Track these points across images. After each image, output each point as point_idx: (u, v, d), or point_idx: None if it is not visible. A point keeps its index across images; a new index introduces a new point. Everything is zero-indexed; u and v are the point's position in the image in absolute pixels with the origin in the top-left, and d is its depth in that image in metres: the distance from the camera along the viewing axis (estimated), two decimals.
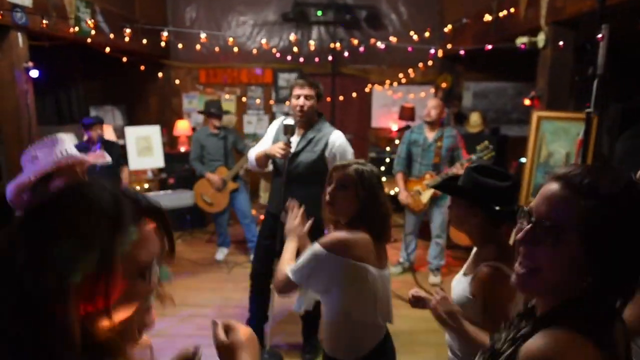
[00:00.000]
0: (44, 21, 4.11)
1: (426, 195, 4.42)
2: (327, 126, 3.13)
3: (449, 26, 5.76)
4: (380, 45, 5.25)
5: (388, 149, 5.01)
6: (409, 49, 5.44)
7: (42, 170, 1.88)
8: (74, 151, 1.94)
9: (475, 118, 5.78)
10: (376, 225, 1.85)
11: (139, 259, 0.79)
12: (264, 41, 7.10)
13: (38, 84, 7.46)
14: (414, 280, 4.58)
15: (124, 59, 5.63)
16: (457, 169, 4.12)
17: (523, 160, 4.03)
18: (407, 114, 6.72)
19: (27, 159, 1.99)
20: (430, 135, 4.40)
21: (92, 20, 4.75)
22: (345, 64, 7.17)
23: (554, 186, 0.91)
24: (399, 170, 4.52)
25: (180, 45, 6.51)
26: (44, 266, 0.69)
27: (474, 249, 1.81)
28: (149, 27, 5.57)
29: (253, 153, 3.16)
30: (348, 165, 1.88)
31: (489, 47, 4.35)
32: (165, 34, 5.57)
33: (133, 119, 7.30)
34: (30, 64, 4.09)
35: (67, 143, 1.97)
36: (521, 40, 3.87)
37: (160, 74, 6.71)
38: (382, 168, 4.30)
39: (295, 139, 3.00)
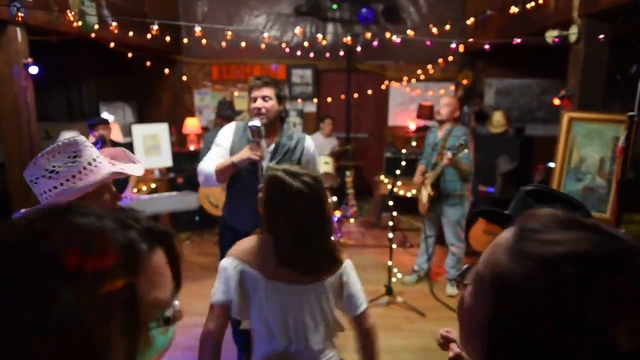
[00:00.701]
0: (46, 15, 3.95)
1: (424, 195, 4.17)
2: (295, 130, 2.92)
3: (472, 19, 5.42)
4: (396, 39, 4.94)
5: (404, 151, 4.70)
6: (428, 43, 5.11)
7: (77, 192, 1.38)
8: (104, 163, 1.44)
9: (498, 117, 5.45)
10: (276, 244, 1.68)
11: (157, 299, 0.63)
12: (277, 36, 6.90)
13: (49, 80, 7.44)
14: (430, 291, 4.31)
15: (130, 55, 5.46)
16: (445, 161, 3.83)
17: (551, 165, 3.71)
18: (425, 112, 6.41)
19: (37, 172, 1.40)
20: (440, 134, 4.16)
21: (97, 15, 4.57)
22: (361, 60, 6.88)
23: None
24: (420, 162, 4.38)
25: (189, 41, 6.31)
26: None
27: None
28: (158, 22, 5.38)
29: (210, 166, 2.64)
30: (276, 170, 1.69)
31: (517, 41, 3.99)
32: (177, 29, 5.35)
33: (144, 116, 7.15)
34: (30, 59, 3.92)
35: (91, 148, 1.44)
36: (552, 35, 3.54)
37: (168, 71, 6.51)
38: (398, 171, 3.99)
39: (266, 149, 2.70)
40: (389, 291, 4.07)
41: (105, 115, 4.18)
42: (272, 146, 2.73)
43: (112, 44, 4.89)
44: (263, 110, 2.64)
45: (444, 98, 4.18)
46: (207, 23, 6.29)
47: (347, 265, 1.85)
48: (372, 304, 4.04)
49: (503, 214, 1.38)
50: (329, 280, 1.75)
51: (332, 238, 1.76)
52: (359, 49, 5.82)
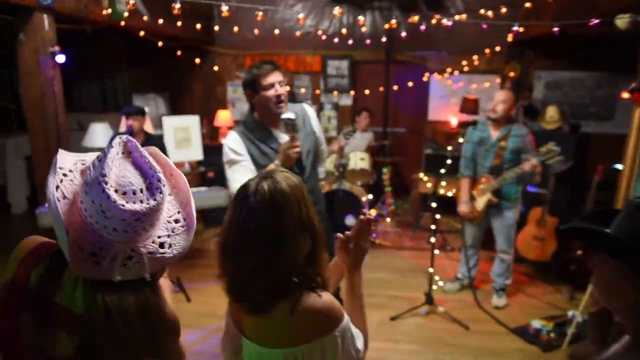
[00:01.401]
0: (75, 3, 3.80)
1: (481, 202, 3.77)
2: (291, 103, 2.57)
3: (528, 4, 4.96)
4: (447, 22, 4.55)
5: (450, 148, 4.29)
6: (484, 26, 4.68)
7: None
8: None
9: (551, 113, 5.00)
10: None
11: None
12: (312, 25, 6.62)
13: (84, 70, 7.43)
14: (474, 301, 3.96)
15: (160, 44, 5.28)
16: (524, 165, 3.46)
17: (619, 166, 3.30)
18: (469, 106, 6.01)
19: (89, 210, 0.94)
20: (495, 133, 3.72)
21: (128, 3, 4.39)
22: (400, 51, 6.52)
23: None
24: (466, 174, 3.88)
25: (220, 29, 6.10)
26: None
27: (626, 339, 1.07)
28: (191, 11, 5.20)
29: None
30: (252, 180, 1.32)
31: (595, 21, 3.46)
32: (209, 17, 5.15)
33: (176, 108, 7.04)
34: (57, 48, 3.77)
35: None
36: (624, 19, 3.11)
37: (199, 60, 6.31)
38: (442, 170, 3.65)
39: (285, 138, 2.41)
40: (430, 300, 3.75)
41: (137, 107, 4.00)
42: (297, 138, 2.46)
43: (141, 33, 4.71)
44: (283, 98, 2.37)
45: (499, 92, 3.72)
46: (240, 13, 6.05)
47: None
48: (411, 313, 3.74)
49: (605, 233, 1.05)
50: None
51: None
52: (403, 34, 5.44)
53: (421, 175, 5.77)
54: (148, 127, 4.98)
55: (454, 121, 6.54)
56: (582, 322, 3.32)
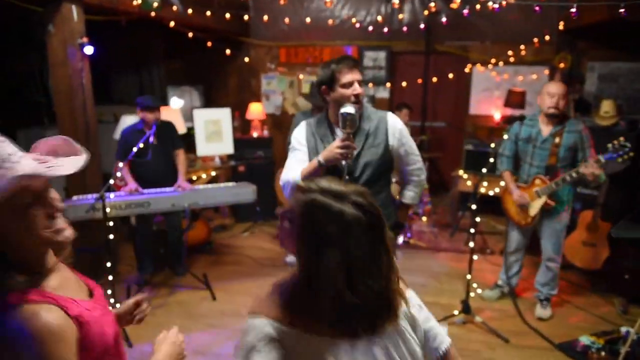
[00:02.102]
0: None
1: (535, 206, 3.44)
2: (374, 109, 2.45)
3: None
4: (494, 4, 4.22)
5: (493, 145, 3.94)
6: (537, 8, 4.30)
7: None
8: (23, 161, 1.03)
9: (606, 107, 4.58)
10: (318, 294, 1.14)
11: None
12: (349, 15, 6.39)
13: (123, 63, 7.48)
14: (516, 311, 3.66)
15: (191, 35, 5.19)
16: (585, 169, 3.12)
17: None
18: (515, 99, 5.63)
19: None
20: (547, 129, 3.38)
21: None
22: (441, 40, 6.19)
23: None
24: (505, 169, 3.58)
25: (249, 18, 5.96)
26: None
27: None
28: (225, 1, 5.09)
29: (294, 174, 2.29)
30: (309, 189, 1.17)
31: None
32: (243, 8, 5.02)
33: (210, 100, 6.97)
34: (85, 39, 3.72)
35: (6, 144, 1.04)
36: None
37: (229, 51, 6.19)
38: (484, 170, 3.37)
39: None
40: (467, 309, 3.49)
41: (154, 100, 3.85)
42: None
43: (172, 23, 4.62)
44: (360, 97, 2.24)
45: (555, 86, 3.33)
46: (275, 5, 5.89)
47: (412, 296, 1.38)
48: (445, 322, 3.48)
49: None
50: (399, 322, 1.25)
51: (394, 277, 1.24)
52: (443, 19, 5.13)
53: (461, 172, 5.47)
54: (178, 120, 4.90)
55: (497, 115, 6.17)
56: (638, 340, 2.99)
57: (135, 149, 3.48)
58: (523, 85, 5.99)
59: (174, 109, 5.30)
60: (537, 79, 6.02)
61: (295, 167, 2.32)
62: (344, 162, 2.17)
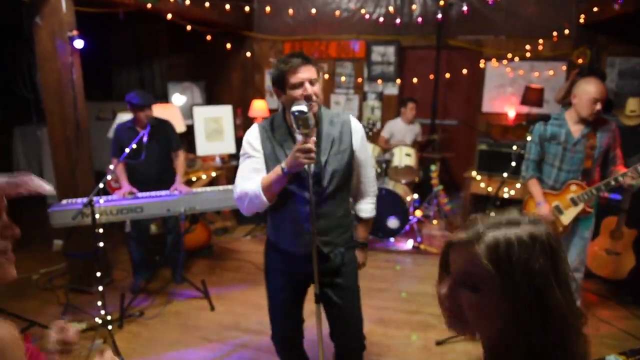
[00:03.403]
0: None
1: (569, 215, 3.13)
2: (335, 112, 2.19)
3: None
4: None
5: (515, 147, 3.55)
6: (536, 12, 4.06)
7: None
8: None
9: (633, 105, 4.29)
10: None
11: None
12: (356, 6, 6.14)
13: (123, 58, 7.26)
14: None
15: (189, 28, 4.95)
16: (625, 179, 2.83)
17: None
18: (533, 97, 5.34)
19: None
20: (577, 129, 3.06)
21: None
22: (453, 35, 5.91)
23: None
24: (532, 175, 3.24)
25: (251, 9, 5.71)
26: None
27: None
28: None
29: (251, 185, 2.00)
30: (478, 234, 0.86)
31: None
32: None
33: (213, 97, 6.73)
34: (75, 32, 3.48)
35: None
36: None
37: (230, 45, 5.95)
38: (505, 174, 3.10)
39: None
40: None
41: (143, 97, 3.60)
42: (312, 138, 2.00)
43: (169, 16, 4.37)
44: (314, 98, 1.96)
45: (593, 85, 2.92)
46: None
47: None
48: (461, 337, 3.22)
49: None
50: None
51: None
52: (464, 7, 4.84)
53: (474, 174, 5.19)
54: (177, 118, 4.66)
55: (511, 113, 5.89)
56: None
57: (127, 150, 3.24)
58: (539, 82, 5.71)
59: (175, 105, 5.06)
60: (554, 75, 5.74)
61: (251, 176, 2.03)
62: (308, 168, 1.90)
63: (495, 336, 0.88)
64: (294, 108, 1.83)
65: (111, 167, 3.19)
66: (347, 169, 2.11)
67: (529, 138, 3.14)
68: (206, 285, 3.83)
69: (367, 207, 2.31)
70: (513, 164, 3.13)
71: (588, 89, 2.94)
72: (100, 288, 3.16)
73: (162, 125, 3.79)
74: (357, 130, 2.14)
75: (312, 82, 1.95)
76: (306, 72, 1.94)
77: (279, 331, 2.38)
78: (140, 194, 3.58)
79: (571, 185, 3.09)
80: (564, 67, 5.74)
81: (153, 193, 3.61)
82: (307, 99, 1.93)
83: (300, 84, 1.94)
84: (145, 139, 3.44)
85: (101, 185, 3.03)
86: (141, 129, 3.53)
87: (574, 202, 3.08)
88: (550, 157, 3.17)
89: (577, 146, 3.04)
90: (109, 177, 3.11)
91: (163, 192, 3.64)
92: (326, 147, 2.05)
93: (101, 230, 3.14)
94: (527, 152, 3.20)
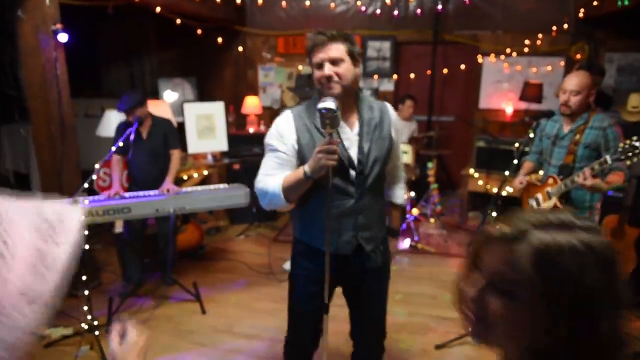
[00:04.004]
0: None
1: (546, 208, 3.08)
2: (368, 96, 2.07)
3: None
4: None
5: (517, 145, 3.37)
6: (533, 6, 3.96)
7: None
8: None
9: (635, 101, 4.20)
10: None
11: None
12: (351, 1, 6.02)
13: (113, 54, 7.10)
14: None
15: (179, 21, 4.81)
16: (580, 179, 2.71)
17: None
18: (531, 92, 5.25)
19: None
20: (568, 126, 2.99)
21: None
22: (450, 30, 5.81)
23: None
24: (529, 159, 3.25)
25: (254, 9, 5.59)
26: None
27: None
28: None
29: (273, 183, 1.85)
30: (521, 232, 0.74)
31: None
32: None
33: (204, 93, 6.58)
34: (59, 26, 3.34)
35: None
36: None
37: (221, 40, 5.81)
38: (507, 172, 3.02)
39: (351, 130, 1.92)
40: None
41: (127, 102, 3.47)
42: (356, 126, 1.91)
43: (158, 9, 4.23)
44: (335, 79, 1.77)
45: (569, 79, 2.88)
46: None
47: None
48: (460, 341, 3.13)
49: None
50: None
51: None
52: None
53: (471, 171, 5.10)
54: (166, 113, 4.52)
55: (509, 109, 5.80)
56: None
57: (113, 148, 3.12)
58: (537, 77, 5.61)
59: (164, 102, 4.92)
60: (552, 71, 5.65)
61: (275, 172, 1.87)
62: (351, 153, 1.82)
63: (521, 353, 0.77)
64: (320, 105, 1.66)
65: (96, 166, 3.05)
66: (387, 156, 1.98)
67: (531, 135, 3.04)
68: (198, 288, 3.71)
69: (399, 193, 2.24)
70: (515, 161, 3.02)
71: (564, 80, 2.94)
72: (86, 292, 3.03)
73: (161, 124, 3.68)
74: (393, 116, 2.04)
75: (334, 62, 1.77)
76: (327, 52, 1.77)
77: (296, 339, 2.20)
78: (127, 194, 3.45)
79: (549, 179, 3.03)
80: (562, 63, 5.66)
81: (141, 193, 3.48)
82: (328, 79, 1.77)
83: (320, 65, 1.78)
84: (132, 137, 3.31)
85: (86, 185, 2.90)
86: (139, 125, 3.41)
87: (549, 196, 3.02)
88: (546, 153, 3.13)
89: (564, 141, 2.97)
90: (94, 177, 2.97)
91: (152, 192, 3.51)
92: (368, 132, 1.90)
93: (86, 232, 3.01)
94: (522, 145, 3.13)
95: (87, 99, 6.77)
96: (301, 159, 1.87)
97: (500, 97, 5.90)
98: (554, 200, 3.00)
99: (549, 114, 2.94)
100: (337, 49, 1.77)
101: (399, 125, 2.10)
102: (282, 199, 1.84)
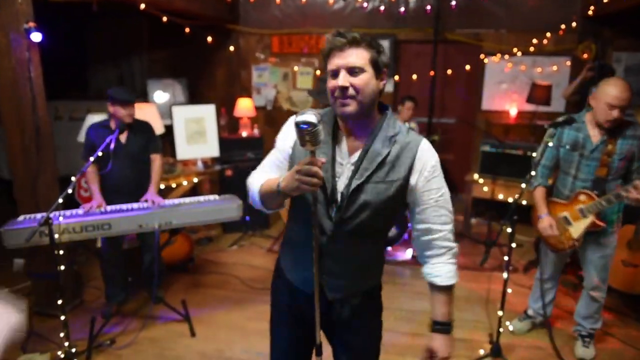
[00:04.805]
0: None
1: (578, 228, 2.82)
2: (404, 127, 1.57)
3: None
4: None
5: (535, 155, 3.01)
6: (538, 5, 3.73)
7: None
8: None
9: None
10: None
11: None
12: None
13: (103, 54, 6.82)
14: (551, 347, 3.07)
15: (165, 19, 4.54)
16: (630, 193, 2.51)
17: None
18: (540, 94, 5.01)
19: None
20: (596, 134, 2.74)
21: None
22: (451, 28, 5.56)
23: None
24: (539, 184, 2.94)
25: (248, 7, 5.32)
26: None
27: None
28: None
29: (256, 181, 1.61)
30: None
31: None
32: None
33: (196, 95, 6.30)
34: (32, 24, 3.05)
35: None
36: None
37: (210, 39, 5.54)
38: (523, 185, 2.78)
39: (349, 155, 1.54)
40: (497, 350, 2.89)
41: (130, 93, 3.22)
42: (357, 154, 1.52)
43: (142, 6, 3.95)
44: (351, 92, 1.43)
45: (614, 88, 2.57)
46: None
47: None
48: None
49: None
50: None
51: None
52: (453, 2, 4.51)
53: (476, 176, 4.86)
54: (154, 117, 4.25)
55: (513, 111, 5.56)
56: None
57: (92, 159, 2.84)
58: (542, 78, 5.38)
59: (152, 104, 4.63)
60: (557, 71, 5.42)
61: (267, 170, 1.65)
62: (339, 184, 1.50)
63: None
64: (297, 118, 1.30)
65: (73, 179, 2.77)
66: (387, 206, 1.53)
67: (550, 143, 2.78)
68: (187, 307, 3.44)
69: (443, 270, 1.59)
70: (533, 173, 2.77)
71: (607, 91, 2.61)
72: (63, 317, 2.75)
73: (142, 127, 3.40)
74: (426, 160, 1.51)
75: (352, 71, 1.42)
76: (345, 57, 1.42)
77: None
78: (109, 208, 3.17)
79: (580, 195, 2.78)
80: (569, 63, 5.43)
81: (124, 206, 3.20)
82: (342, 92, 1.43)
83: (336, 73, 1.44)
84: (112, 145, 3.03)
85: (60, 200, 2.62)
86: (117, 128, 3.12)
87: (582, 214, 2.77)
88: (566, 164, 2.86)
89: (594, 153, 2.71)
90: (69, 191, 2.69)
91: (135, 205, 3.23)
92: (367, 169, 1.49)
93: (62, 252, 2.73)
94: (538, 154, 2.85)
95: (73, 100, 6.49)
96: (291, 166, 1.59)
97: (503, 99, 5.66)
98: (591, 218, 2.75)
99: (569, 121, 2.68)
100: (358, 56, 1.43)
101: (439, 173, 1.55)
102: (259, 202, 1.59)
